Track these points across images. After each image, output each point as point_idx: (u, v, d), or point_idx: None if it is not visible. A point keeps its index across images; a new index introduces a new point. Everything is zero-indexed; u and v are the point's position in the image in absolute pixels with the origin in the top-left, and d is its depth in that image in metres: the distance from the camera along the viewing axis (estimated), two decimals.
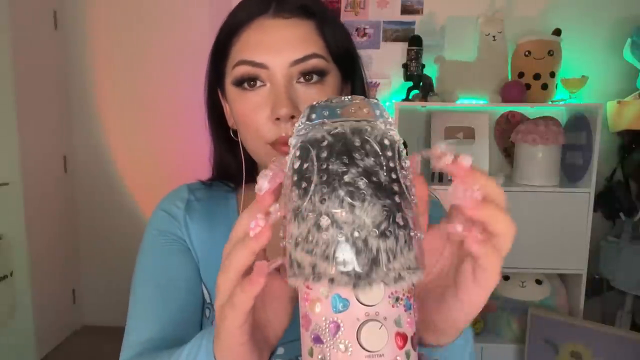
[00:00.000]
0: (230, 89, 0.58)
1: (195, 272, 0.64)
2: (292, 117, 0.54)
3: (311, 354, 0.31)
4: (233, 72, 0.57)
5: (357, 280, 0.29)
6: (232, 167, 0.67)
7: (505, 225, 0.32)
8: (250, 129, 0.57)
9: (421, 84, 2.08)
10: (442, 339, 0.39)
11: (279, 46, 0.55)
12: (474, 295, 0.34)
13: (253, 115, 0.56)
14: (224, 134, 0.67)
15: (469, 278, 0.34)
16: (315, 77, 0.56)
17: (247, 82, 0.56)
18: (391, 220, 0.30)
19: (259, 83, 0.56)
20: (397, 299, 0.31)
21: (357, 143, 0.31)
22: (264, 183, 0.34)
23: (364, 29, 2.28)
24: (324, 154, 0.31)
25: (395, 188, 0.31)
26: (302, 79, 0.56)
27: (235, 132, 0.64)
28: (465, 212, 0.32)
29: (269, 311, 0.39)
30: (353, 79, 0.64)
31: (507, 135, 2.17)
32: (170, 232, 0.65)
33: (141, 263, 0.64)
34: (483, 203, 0.32)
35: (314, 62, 0.56)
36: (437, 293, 0.37)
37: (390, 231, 0.29)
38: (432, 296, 0.37)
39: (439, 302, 0.37)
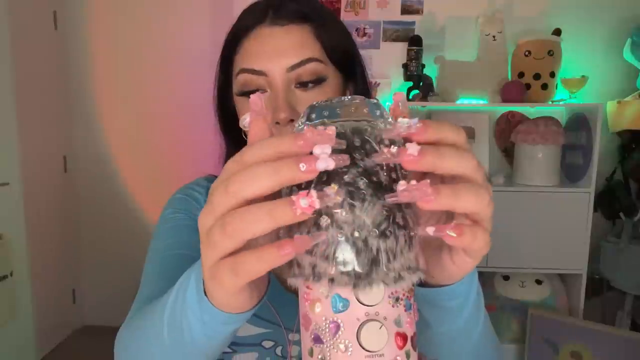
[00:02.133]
0: (236, 98, 0.62)
1: None
2: (292, 120, 0.56)
3: (311, 354, 0.31)
4: (237, 81, 0.60)
5: (357, 280, 0.29)
6: None
7: (469, 203, 0.30)
8: None
9: (421, 84, 2.08)
10: (444, 282, 0.39)
11: (276, 53, 0.57)
12: (467, 262, 0.34)
13: None
14: (237, 136, 0.68)
15: (459, 249, 0.34)
16: (313, 81, 0.58)
17: (249, 89, 0.59)
18: (391, 220, 0.30)
19: (260, 90, 0.58)
20: (397, 299, 0.31)
21: (357, 143, 0.30)
22: (327, 160, 0.28)
23: (364, 29, 2.28)
24: None
25: (395, 188, 0.30)
26: (300, 83, 0.58)
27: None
28: (422, 207, 0.29)
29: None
30: (355, 79, 0.65)
31: (507, 135, 2.17)
32: (189, 211, 0.66)
33: (156, 237, 0.65)
34: (434, 198, 0.28)
35: (310, 67, 0.57)
36: (434, 250, 0.36)
37: (390, 231, 0.29)
38: (430, 247, 0.37)
39: (436, 259, 0.36)
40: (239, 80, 0.59)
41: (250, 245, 0.30)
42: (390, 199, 0.29)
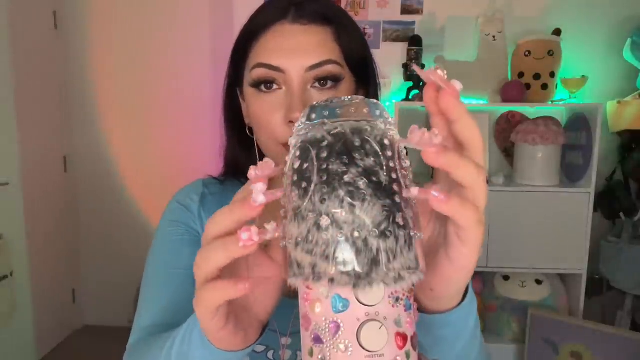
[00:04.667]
0: (248, 90, 0.60)
1: None
2: None
3: (311, 354, 0.31)
4: (251, 74, 0.59)
5: (357, 280, 0.29)
6: (245, 164, 0.69)
7: (469, 173, 0.30)
8: (264, 130, 0.59)
9: (421, 84, 2.08)
10: (442, 304, 0.40)
11: (296, 51, 0.56)
12: (463, 254, 0.33)
13: (268, 116, 0.58)
14: (239, 132, 0.68)
15: (454, 237, 0.33)
16: (329, 83, 0.58)
17: (264, 84, 0.58)
18: (391, 220, 0.30)
19: (275, 86, 0.58)
20: (397, 299, 0.31)
21: (357, 143, 0.30)
22: (259, 195, 0.32)
23: (364, 29, 2.28)
24: (324, 154, 0.31)
25: (395, 188, 0.30)
26: (316, 84, 0.57)
27: (252, 130, 0.66)
28: (425, 158, 0.29)
29: (257, 291, 0.40)
30: (367, 85, 0.65)
31: (507, 135, 2.17)
32: (184, 224, 0.67)
33: (153, 251, 0.66)
34: (443, 149, 0.29)
35: (329, 68, 0.57)
36: (431, 254, 0.37)
37: (390, 231, 0.29)
38: (427, 258, 0.36)
39: (434, 263, 0.36)
40: (254, 74, 0.58)
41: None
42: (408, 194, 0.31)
